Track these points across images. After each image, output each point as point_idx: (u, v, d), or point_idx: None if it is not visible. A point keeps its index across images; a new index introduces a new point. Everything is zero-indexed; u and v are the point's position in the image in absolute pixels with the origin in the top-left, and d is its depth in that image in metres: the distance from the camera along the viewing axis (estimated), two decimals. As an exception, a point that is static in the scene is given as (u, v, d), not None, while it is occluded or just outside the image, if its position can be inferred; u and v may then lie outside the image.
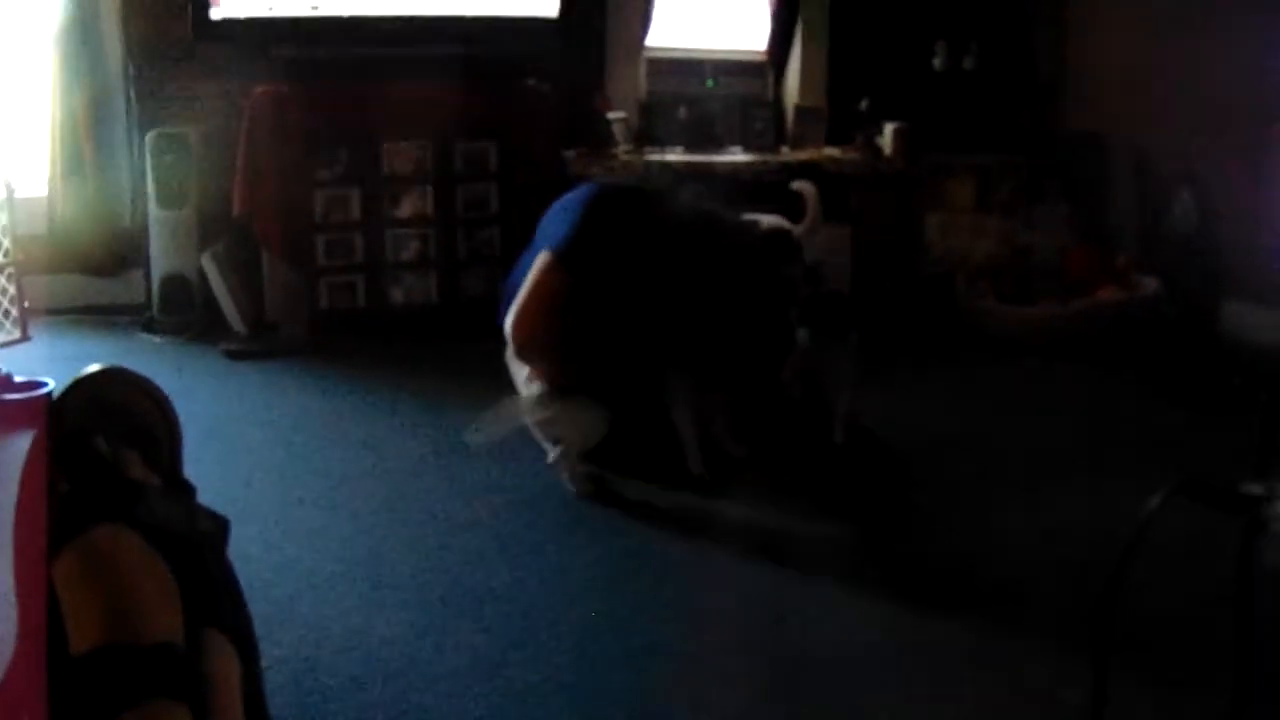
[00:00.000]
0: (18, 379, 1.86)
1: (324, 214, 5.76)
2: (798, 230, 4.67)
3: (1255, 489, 1.80)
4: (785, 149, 6.69)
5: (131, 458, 1.96)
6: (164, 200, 5.81)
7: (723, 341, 4.08)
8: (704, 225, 4.22)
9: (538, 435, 4.13)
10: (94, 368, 2.07)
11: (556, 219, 4.09)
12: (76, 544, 1.71)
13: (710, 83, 6.75)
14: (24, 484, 1.70)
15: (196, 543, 1.90)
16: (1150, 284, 6.05)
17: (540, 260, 4.02)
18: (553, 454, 4.06)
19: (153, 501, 1.89)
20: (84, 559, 1.71)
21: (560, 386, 4.02)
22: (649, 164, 6.16)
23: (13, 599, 1.64)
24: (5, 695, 1.62)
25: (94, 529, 1.74)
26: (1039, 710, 2.80)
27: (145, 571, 1.74)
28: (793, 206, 4.89)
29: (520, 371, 4.12)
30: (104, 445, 1.94)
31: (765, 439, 4.40)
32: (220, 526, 2.01)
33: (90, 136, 5.95)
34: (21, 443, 1.74)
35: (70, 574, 1.69)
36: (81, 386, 2.03)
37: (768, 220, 4.58)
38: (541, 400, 4.03)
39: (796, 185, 5.02)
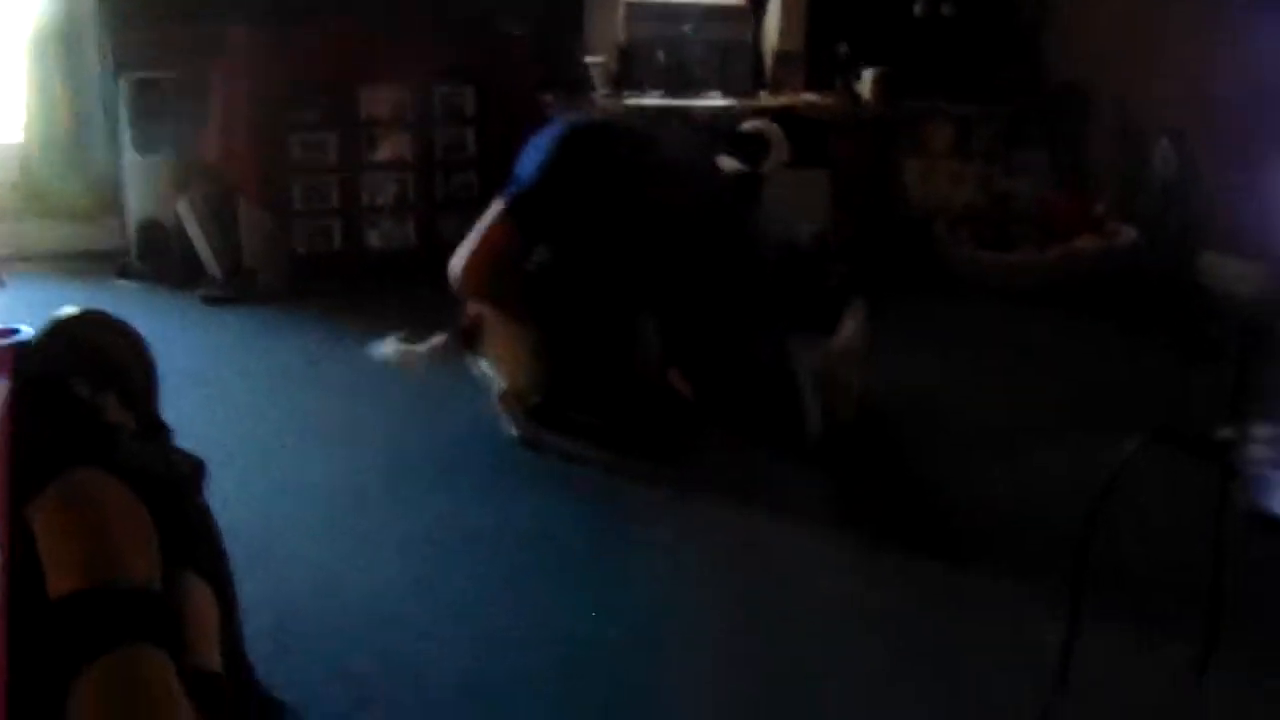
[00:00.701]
0: (-1, 325, 1.85)
1: (300, 159, 5.73)
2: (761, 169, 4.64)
3: (1228, 434, 1.81)
4: (764, 93, 6.66)
5: (109, 400, 1.95)
6: (140, 146, 5.77)
7: (688, 284, 4.06)
8: (672, 165, 4.18)
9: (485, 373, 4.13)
10: (70, 310, 2.07)
11: (526, 159, 4.05)
12: (55, 488, 1.71)
13: (688, 28, 6.72)
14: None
15: (174, 485, 1.90)
16: (1129, 233, 6.06)
17: (492, 209, 4.03)
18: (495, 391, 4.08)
19: (130, 445, 1.88)
20: (63, 503, 1.71)
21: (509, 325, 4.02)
22: (627, 108, 6.14)
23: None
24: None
25: (73, 473, 1.74)
26: (1018, 648, 2.81)
27: (124, 515, 1.74)
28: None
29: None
30: (83, 388, 1.93)
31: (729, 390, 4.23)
32: (197, 469, 2.01)
33: (64, 82, 5.90)
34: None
35: (48, 519, 1.69)
36: (58, 329, 2.03)
37: (728, 163, 4.56)
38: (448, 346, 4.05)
39: (751, 126, 4.97)
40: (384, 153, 5.83)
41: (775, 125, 4.81)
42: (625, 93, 6.36)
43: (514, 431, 4.01)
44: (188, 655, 1.72)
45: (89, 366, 1.98)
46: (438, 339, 4.08)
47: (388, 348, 4.11)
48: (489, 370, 4.08)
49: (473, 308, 4.06)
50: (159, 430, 2.08)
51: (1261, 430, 1.82)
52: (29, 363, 1.83)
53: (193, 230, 5.77)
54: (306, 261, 5.77)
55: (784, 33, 6.79)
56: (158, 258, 5.82)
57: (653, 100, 6.29)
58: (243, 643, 2.01)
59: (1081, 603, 1.92)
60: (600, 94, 6.26)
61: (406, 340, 4.11)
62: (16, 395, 1.76)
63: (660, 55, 6.55)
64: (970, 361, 4.95)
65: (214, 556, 1.92)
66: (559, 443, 4.00)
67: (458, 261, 4.04)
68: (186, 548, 1.82)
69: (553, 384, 4.10)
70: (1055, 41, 6.90)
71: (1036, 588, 2.96)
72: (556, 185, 3.96)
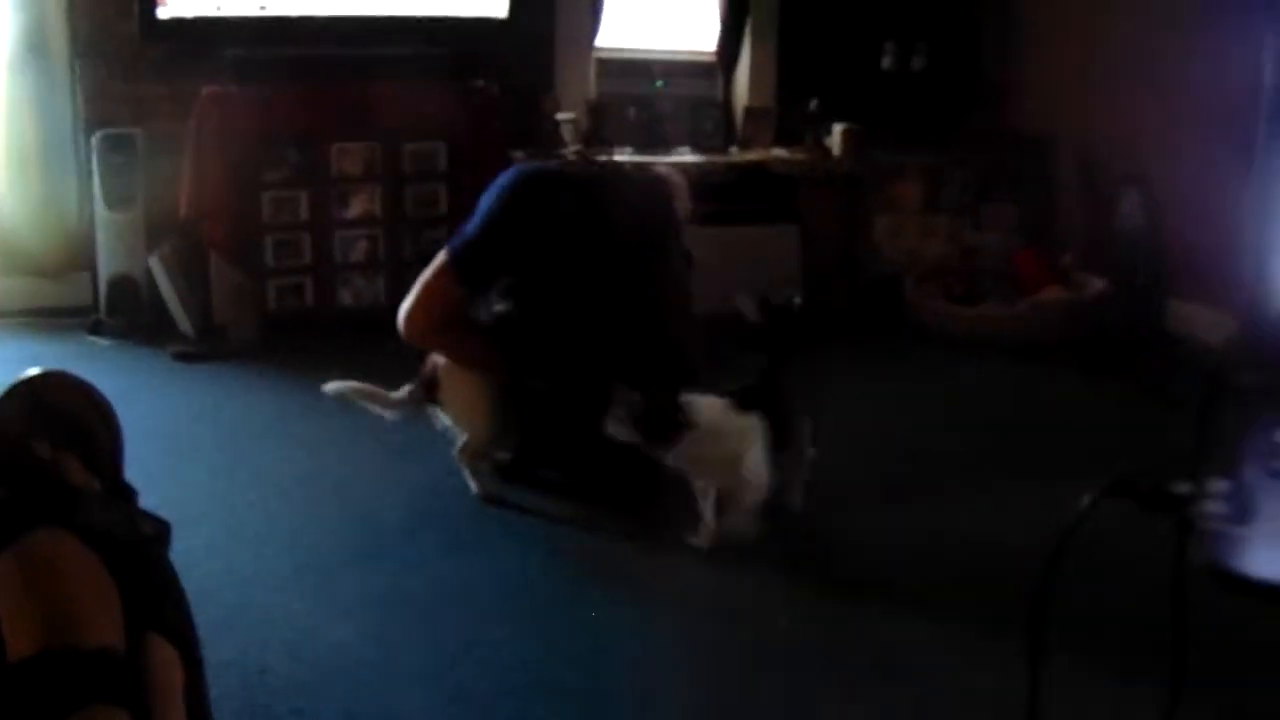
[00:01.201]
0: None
1: (272, 215, 5.74)
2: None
3: (1184, 488, 1.82)
4: (734, 149, 6.71)
5: (71, 462, 1.95)
6: (111, 201, 5.77)
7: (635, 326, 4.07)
8: (620, 208, 4.14)
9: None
10: (33, 371, 2.07)
11: (482, 204, 4.03)
12: (15, 549, 1.71)
13: (659, 83, 6.77)
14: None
15: (138, 547, 1.89)
16: (1097, 283, 6.10)
17: (438, 259, 4.03)
18: (456, 445, 4.07)
19: (93, 506, 1.88)
20: (22, 564, 1.70)
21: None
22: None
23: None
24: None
25: (33, 534, 1.73)
26: (977, 706, 2.82)
27: (84, 577, 1.73)
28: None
29: None
30: (44, 449, 1.93)
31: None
32: (162, 530, 2.01)
33: (36, 137, 5.92)
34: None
35: (8, 579, 1.68)
36: (21, 390, 2.03)
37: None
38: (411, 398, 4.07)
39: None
40: (355, 209, 5.85)
41: (678, 173, 4.81)
42: (595, 149, 6.38)
43: (474, 488, 4.01)
44: (152, 718, 1.71)
45: (51, 427, 1.98)
46: (404, 390, 4.08)
47: (340, 384, 4.11)
48: (449, 423, 4.07)
49: (430, 359, 4.06)
50: (123, 492, 2.08)
51: (1218, 485, 1.83)
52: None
53: (164, 287, 5.77)
54: (278, 318, 5.77)
55: (754, 88, 6.85)
56: (129, 314, 5.81)
57: (623, 157, 6.30)
58: (208, 704, 2.01)
59: (1041, 656, 1.93)
60: (570, 150, 6.29)
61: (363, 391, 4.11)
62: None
63: (631, 111, 6.60)
64: (938, 413, 4.97)
65: (179, 617, 1.91)
66: (522, 499, 4.01)
67: (402, 310, 4.05)
68: (150, 609, 1.81)
69: (520, 438, 4.10)
70: (1023, 93, 6.96)
71: (998, 639, 2.96)
72: (499, 233, 3.95)
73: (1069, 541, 1.75)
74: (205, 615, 2.01)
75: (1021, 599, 1.97)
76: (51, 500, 1.82)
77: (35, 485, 1.85)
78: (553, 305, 4.02)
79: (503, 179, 4.05)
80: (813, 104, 6.65)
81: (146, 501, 2.01)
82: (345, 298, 5.88)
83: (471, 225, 3.99)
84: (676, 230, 4.26)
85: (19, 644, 1.64)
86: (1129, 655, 2.95)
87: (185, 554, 2.03)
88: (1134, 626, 3.02)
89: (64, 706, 1.59)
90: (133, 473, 2.08)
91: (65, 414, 2.04)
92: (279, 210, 5.74)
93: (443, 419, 4.08)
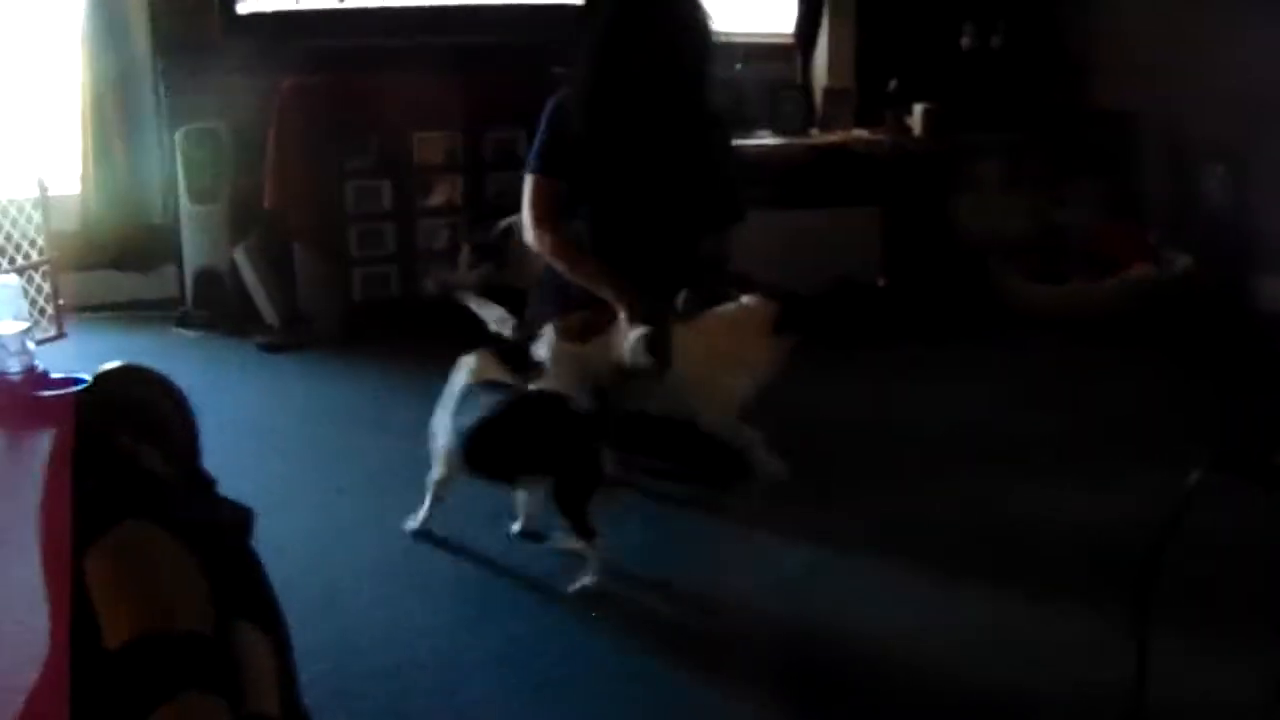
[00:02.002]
0: (55, 375, 1.87)
1: (355, 205, 5.76)
2: None
3: (1289, 460, 1.79)
4: (814, 131, 6.67)
5: (152, 453, 1.97)
6: (195, 195, 5.83)
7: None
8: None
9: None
10: (109, 366, 2.09)
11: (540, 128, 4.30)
12: (105, 540, 1.72)
13: (738, 65, 6.73)
14: (51, 480, 1.72)
15: (221, 535, 1.91)
16: (1183, 260, 6.03)
17: (526, 181, 4.25)
18: None
19: (176, 496, 1.90)
20: (114, 555, 1.72)
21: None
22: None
23: (43, 595, 1.65)
24: (42, 688, 1.63)
25: (121, 525, 1.75)
26: (1083, 685, 2.79)
27: (174, 566, 1.75)
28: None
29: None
30: (126, 442, 1.95)
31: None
32: (244, 517, 2.02)
33: (120, 133, 5.97)
34: (47, 441, 1.76)
35: (101, 570, 1.70)
36: (100, 385, 2.05)
37: None
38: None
39: None
40: (437, 198, 5.86)
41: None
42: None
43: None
44: (245, 703, 1.72)
45: (131, 420, 1.99)
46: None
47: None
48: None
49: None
50: (203, 481, 2.10)
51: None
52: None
53: (249, 278, 5.82)
54: (363, 307, 5.80)
55: (833, 69, 6.81)
56: (215, 306, 5.87)
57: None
58: (298, 689, 2.02)
59: (1148, 632, 1.90)
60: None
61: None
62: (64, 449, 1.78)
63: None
64: (1026, 392, 4.93)
65: (266, 605, 1.92)
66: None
67: (526, 229, 4.22)
68: (239, 597, 1.83)
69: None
70: (1103, 68, 6.88)
71: (1106, 618, 2.93)
72: (562, 131, 4.17)
73: (1181, 515, 1.73)
74: (296, 601, 2.02)
75: (1123, 574, 1.95)
76: (136, 491, 1.83)
77: (120, 477, 1.86)
78: (625, 177, 4.18)
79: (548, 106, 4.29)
80: (892, 84, 6.61)
81: (236, 490, 2.02)
82: (430, 286, 5.89)
83: (536, 142, 4.25)
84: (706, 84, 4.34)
85: (115, 633, 1.66)
86: (1234, 626, 2.91)
87: (275, 542, 2.04)
88: (1241, 601, 2.99)
89: (160, 692, 1.61)
90: (221, 462, 2.10)
91: (143, 407, 2.05)
92: (362, 200, 5.77)
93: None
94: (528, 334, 4.11)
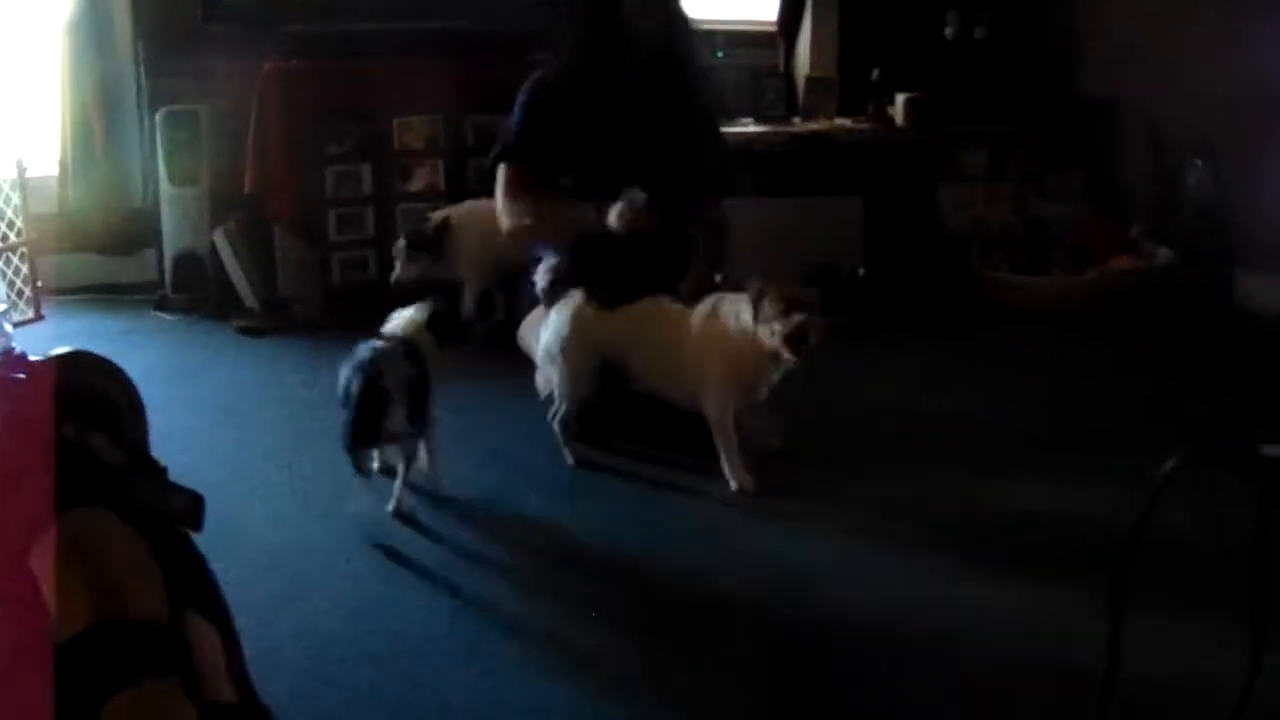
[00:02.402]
0: (32, 358, 1.85)
1: (335, 189, 5.76)
2: None
3: (1274, 451, 1.79)
4: (797, 120, 6.67)
5: (99, 440, 1.95)
6: (175, 178, 5.81)
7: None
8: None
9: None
10: (52, 353, 2.07)
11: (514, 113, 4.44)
12: (55, 529, 1.71)
13: (720, 54, 6.73)
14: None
15: (172, 522, 1.89)
16: (1164, 254, 6.04)
17: (498, 173, 4.40)
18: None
19: (125, 482, 1.88)
20: (62, 544, 1.70)
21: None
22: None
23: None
24: (23, 680, 1.62)
25: (70, 513, 1.73)
26: (1057, 668, 2.79)
27: (127, 551, 1.73)
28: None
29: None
30: (71, 430, 1.93)
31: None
32: (194, 504, 2.00)
33: (101, 115, 5.96)
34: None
35: (51, 560, 1.68)
36: None
37: None
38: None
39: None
40: (418, 183, 5.85)
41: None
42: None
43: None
44: (202, 692, 1.71)
45: (74, 408, 1.98)
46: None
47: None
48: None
49: None
50: (152, 467, 2.08)
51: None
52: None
53: (228, 262, 5.80)
54: (342, 291, 5.79)
55: (816, 58, 6.80)
56: (193, 289, 5.85)
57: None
58: (250, 678, 2.01)
59: (1122, 622, 1.90)
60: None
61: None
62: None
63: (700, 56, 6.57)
64: (1007, 384, 4.93)
65: (212, 594, 1.91)
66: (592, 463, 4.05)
67: (504, 220, 4.36)
68: (189, 586, 1.81)
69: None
70: (1088, 61, 6.89)
71: (1079, 606, 2.93)
72: (538, 120, 4.32)
73: (1157, 499, 1.73)
74: (272, 586, 2.02)
75: (1102, 564, 1.95)
76: (85, 480, 1.82)
77: (66, 465, 1.85)
78: (609, 154, 4.24)
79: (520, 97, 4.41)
80: (875, 73, 6.60)
81: (213, 474, 2.02)
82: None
83: (512, 132, 4.39)
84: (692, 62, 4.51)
85: (68, 623, 1.64)
86: (1211, 618, 2.91)
87: (252, 525, 2.04)
88: (1216, 591, 2.99)
89: (116, 680, 1.59)
90: (199, 445, 2.10)
91: (89, 393, 2.03)
92: (342, 184, 5.76)
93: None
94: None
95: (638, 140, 4.23)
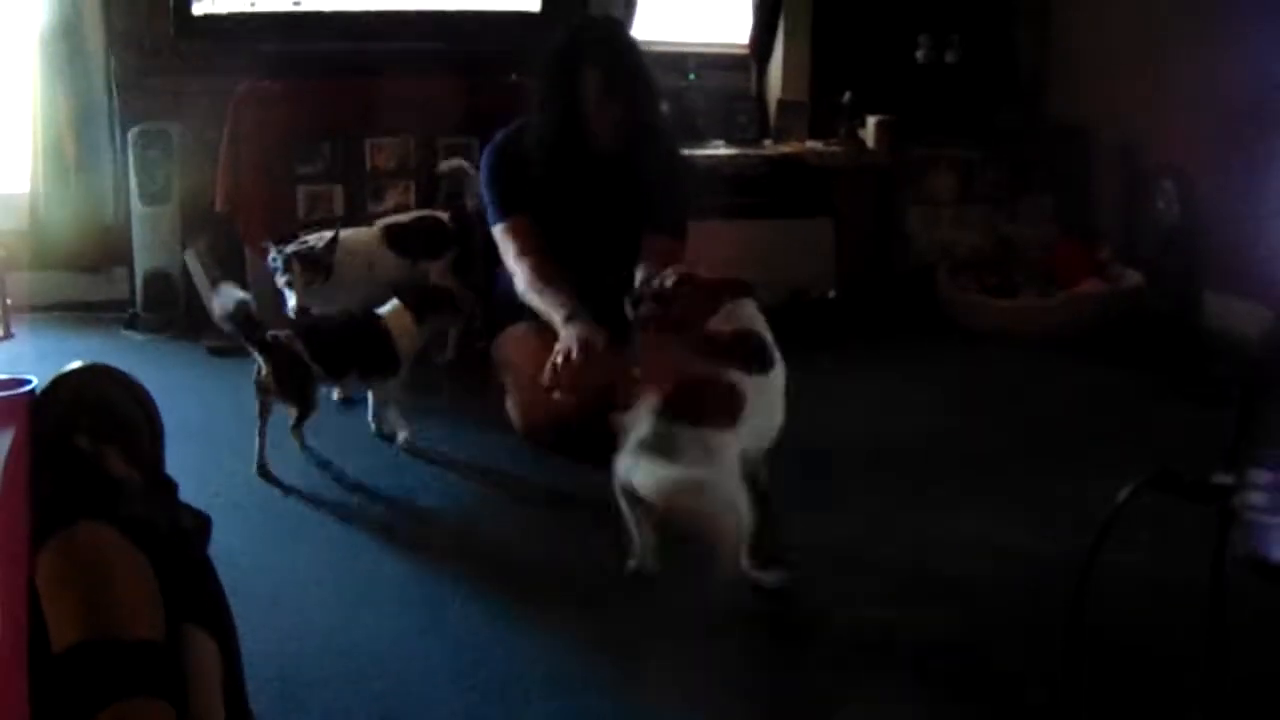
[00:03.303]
0: (0, 377, 1.86)
1: (307, 210, 5.75)
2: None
3: (1226, 479, 1.81)
4: (768, 142, 6.70)
5: (113, 454, 1.96)
6: (147, 197, 5.80)
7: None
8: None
9: None
10: (75, 365, 2.08)
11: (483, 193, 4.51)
12: (58, 541, 1.72)
13: (692, 76, 6.75)
14: (5, 482, 1.71)
15: (178, 539, 1.90)
16: (1133, 276, 6.07)
17: (497, 234, 4.42)
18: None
19: (134, 498, 1.89)
20: (65, 556, 1.71)
21: None
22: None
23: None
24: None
25: (75, 526, 1.74)
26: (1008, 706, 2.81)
27: (126, 568, 1.74)
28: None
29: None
30: (86, 442, 1.94)
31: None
32: (202, 523, 2.02)
33: (73, 133, 5.93)
34: (2, 441, 1.75)
35: (51, 572, 1.69)
36: (63, 384, 2.04)
37: None
38: None
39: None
40: (389, 203, 5.85)
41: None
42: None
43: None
44: (191, 708, 1.72)
45: (92, 420, 1.98)
46: None
47: None
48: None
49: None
50: (164, 484, 2.09)
51: (1261, 476, 1.82)
52: (32, 417, 1.84)
53: (200, 281, 5.79)
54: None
55: (787, 81, 6.83)
56: (164, 309, 5.84)
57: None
58: (246, 695, 2.01)
59: (1080, 645, 1.92)
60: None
61: None
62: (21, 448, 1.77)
63: (664, 104, 6.58)
64: (973, 407, 4.95)
65: (217, 610, 1.92)
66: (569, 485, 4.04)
67: (519, 283, 4.30)
68: (189, 601, 1.82)
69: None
70: (1057, 84, 6.94)
71: (1035, 630, 2.95)
72: (510, 177, 4.35)
73: (1109, 530, 1.75)
74: (241, 607, 2.02)
75: (1060, 587, 1.96)
76: (93, 493, 1.83)
77: (77, 478, 1.85)
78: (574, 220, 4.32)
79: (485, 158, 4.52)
80: (846, 97, 6.63)
81: (184, 493, 2.02)
82: (380, 291, 5.88)
83: (490, 196, 4.46)
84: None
85: (62, 635, 1.65)
86: (1170, 645, 2.93)
87: (221, 547, 2.03)
88: (1173, 619, 3.01)
89: (105, 697, 1.60)
90: (169, 466, 2.09)
91: (107, 407, 2.04)
92: (314, 205, 5.76)
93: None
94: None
95: (617, 211, 4.29)
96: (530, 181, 4.31)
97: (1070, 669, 1.93)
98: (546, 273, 4.22)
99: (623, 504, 3.18)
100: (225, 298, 4.11)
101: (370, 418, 4.43)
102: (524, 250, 4.31)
